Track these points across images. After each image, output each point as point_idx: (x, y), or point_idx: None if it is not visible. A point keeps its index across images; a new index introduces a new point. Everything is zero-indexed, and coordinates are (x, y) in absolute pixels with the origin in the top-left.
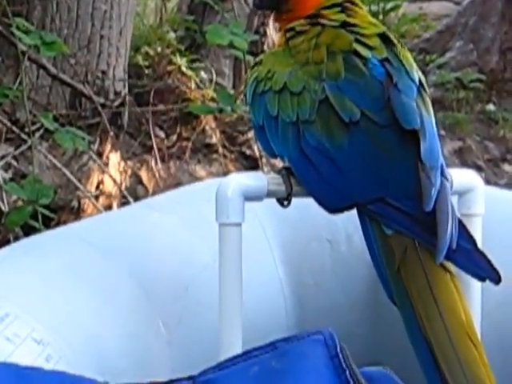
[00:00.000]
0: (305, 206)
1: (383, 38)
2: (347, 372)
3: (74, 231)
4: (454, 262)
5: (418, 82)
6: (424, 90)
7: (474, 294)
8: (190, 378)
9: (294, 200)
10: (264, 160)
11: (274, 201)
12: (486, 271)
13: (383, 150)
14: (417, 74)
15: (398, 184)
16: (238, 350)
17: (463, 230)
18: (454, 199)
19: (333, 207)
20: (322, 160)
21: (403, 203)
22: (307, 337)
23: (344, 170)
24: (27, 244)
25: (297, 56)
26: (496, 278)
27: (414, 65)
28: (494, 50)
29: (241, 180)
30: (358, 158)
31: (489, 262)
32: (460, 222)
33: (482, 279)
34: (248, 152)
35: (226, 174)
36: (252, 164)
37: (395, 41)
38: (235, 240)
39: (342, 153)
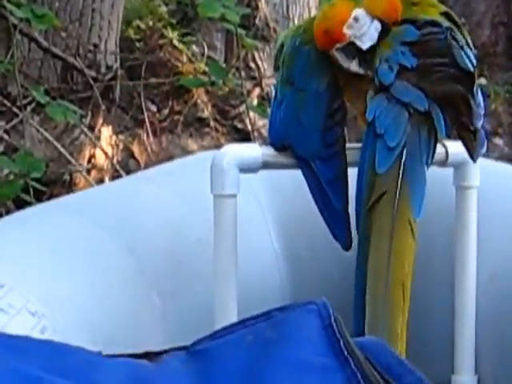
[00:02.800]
0: (300, 178)
1: (446, 15)
2: (341, 342)
3: (68, 204)
4: (323, 217)
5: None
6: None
7: (469, 267)
8: (184, 347)
9: (290, 172)
10: (256, 134)
11: (269, 173)
12: (341, 235)
13: (301, 110)
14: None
15: (300, 142)
16: (233, 321)
17: (342, 193)
18: (449, 171)
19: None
20: (274, 105)
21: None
22: (301, 306)
23: (279, 115)
24: (21, 216)
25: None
26: (346, 245)
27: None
28: (485, 23)
29: (236, 151)
30: (286, 110)
31: (348, 228)
32: (345, 185)
33: (335, 239)
34: (240, 125)
35: (217, 147)
36: (244, 137)
37: (457, 19)
38: (230, 211)
39: (280, 103)
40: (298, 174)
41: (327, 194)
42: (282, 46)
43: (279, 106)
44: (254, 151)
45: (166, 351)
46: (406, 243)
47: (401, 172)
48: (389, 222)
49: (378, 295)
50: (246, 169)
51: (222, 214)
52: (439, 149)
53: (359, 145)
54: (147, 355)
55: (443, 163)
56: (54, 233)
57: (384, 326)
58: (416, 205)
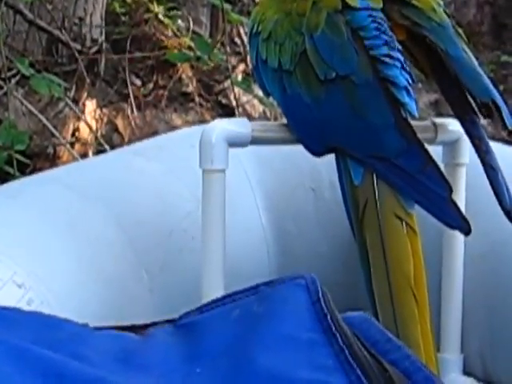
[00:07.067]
0: (289, 153)
1: None
2: (328, 317)
3: (55, 176)
4: (425, 208)
5: (446, 18)
6: (449, 17)
7: (456, 245)
8: (171, 321)
9: (279, 148)
10: (240, 109)
11: (258, 148)
12: (457, 221)
13: (357, 108)
14: (439, 9)
15: (367, 141)
16: (220, 295)
17: (440, 177)
18: (438, 149)
19: (312, 150)
20: (300, 107)
21: (368, 159)
22: (289, 281)
23: (319, 119)
24: (7, 189)
25: (283, 4)
26: (466, 229)
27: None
28: (471, 3)
29: (225, 126)
30: (332, 112)
31: (460, 212)
32: (438, 169)
33: (452, 228)
34: (224, 101)
35: (202, 122)
36: (228, 113)
37: None
38: (219, 186)
39: (317, 105)
40: (287, 149)
41: (424, 183)
42: (284, 39)
43: (300, 106)
44: (243, 126)
45: (152, 324)
46: (399, 242)
47: (375, 177)
48: (377, 229)
49: (385, 306)
50: (235, 143)
51: (210, 188)
52: (428, 126)
53: None
54: (134, 328)
55: (432, 141)
56: (42, 205)
57: (399, 333)
58: (406, 198)
